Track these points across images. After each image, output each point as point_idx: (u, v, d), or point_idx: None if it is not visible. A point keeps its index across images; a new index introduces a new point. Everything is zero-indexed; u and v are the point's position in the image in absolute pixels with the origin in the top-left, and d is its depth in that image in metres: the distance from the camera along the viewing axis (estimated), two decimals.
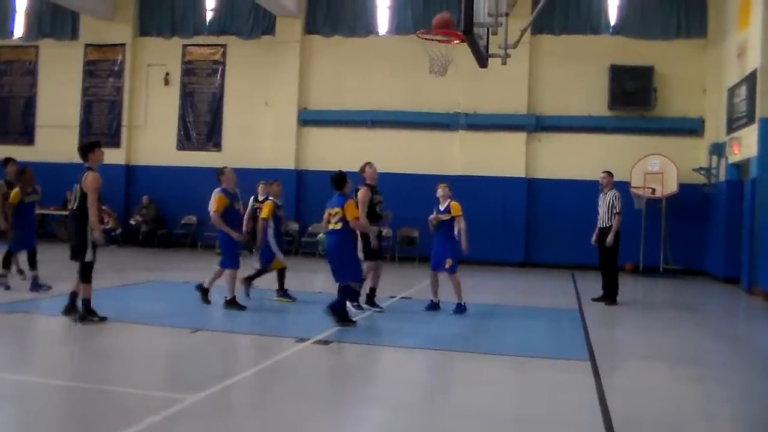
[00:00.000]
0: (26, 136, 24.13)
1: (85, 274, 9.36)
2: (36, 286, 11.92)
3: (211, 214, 10.93)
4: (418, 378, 7.91)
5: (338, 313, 9.84)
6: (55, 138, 23.47)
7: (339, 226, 9.91)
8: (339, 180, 10.19)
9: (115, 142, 22.95)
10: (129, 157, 23.01)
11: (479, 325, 11.04)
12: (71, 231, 9.49)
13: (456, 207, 11.37)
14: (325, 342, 9.00)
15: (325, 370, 8.10)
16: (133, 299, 12.36)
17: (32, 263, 12.15)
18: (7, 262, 12.24)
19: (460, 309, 11.39)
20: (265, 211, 12.18)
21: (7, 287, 11.94)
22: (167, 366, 8.25)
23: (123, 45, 23.10)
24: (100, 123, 23.35)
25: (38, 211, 22.50)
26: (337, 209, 9.93)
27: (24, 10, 24.13)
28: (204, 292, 11.31)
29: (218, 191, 11.10)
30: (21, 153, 23.43)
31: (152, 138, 23.01)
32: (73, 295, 9.47)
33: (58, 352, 8.61)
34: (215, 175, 11.38)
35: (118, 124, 23.19)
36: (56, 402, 6.41)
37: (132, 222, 22.20)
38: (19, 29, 24.25)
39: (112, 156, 22.42)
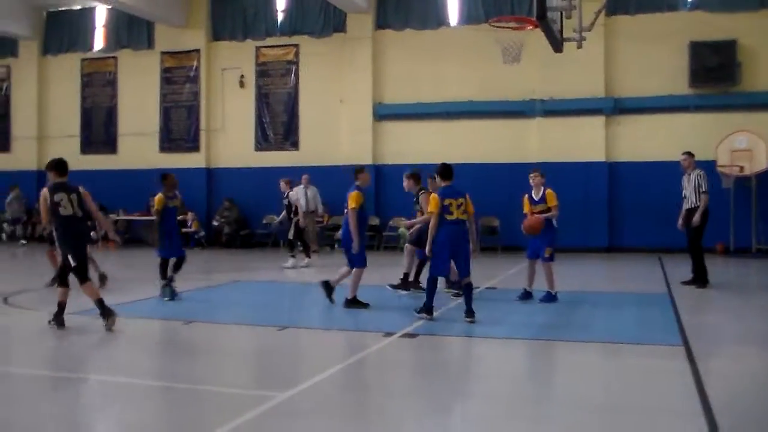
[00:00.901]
0: (109, 144, 25.14)
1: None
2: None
3: (348, 210, 10.82)
4: (507, 368, 7.95)
5: (471, 312, 9.93)
6: (137, 145, 24.50)
7: (465, 216, 9.98)
8: (450, 170, 10.27)
9: (194, 147, 23.85)
10: (209, 161, 23.73)
11: (566, 312, 11.05)
12: (83, 235, 9.99)
13: (551, 196, 11.46)
14: (412, 335, 9.11)
15: (414, 363, 8.22)
16: (220, 299, 12.76)
17: (175, 268, 12.19)
18: (164, 270, 12.17)
19: (550, 298, 11.44)
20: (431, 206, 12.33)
21: (174, 294, 11.92)
22: (257, 364, 8.47)
23: (197, 51, 23.83)
24: (179, 128, 24.14)
25: (123, 216, 23.49)
26: (461, 199, 9.95)
27: (102, 23, 25.14)
28: (329, 289, 11.32)
29: (355, 189, 11.08)
30: (105, 162, 24.48)
31: (230, 140, 23.69)
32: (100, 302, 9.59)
33: (149, 354, 8.96)
34: (352, 173, 11.34)
35: (196, 128, 23.93)
36: (152, 402, 6.67)
37: (215, 223, 22.78)
38: (98, 42, 25.26)
39: (192, 160, 23.35)
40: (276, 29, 23.20)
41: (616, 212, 20.32)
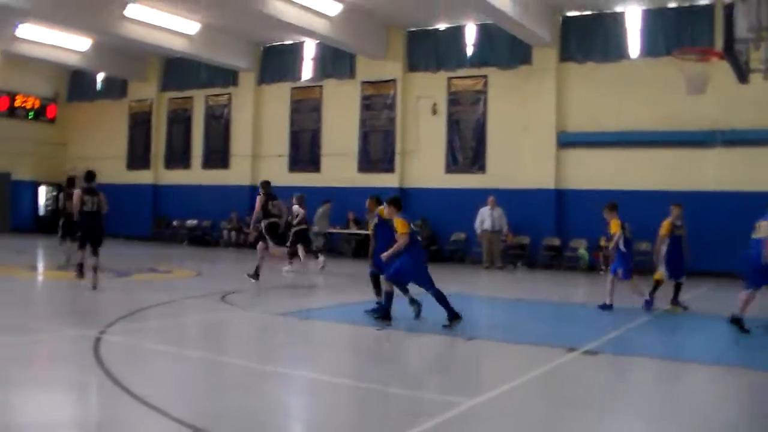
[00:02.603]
0: (313, 164, 27.65)
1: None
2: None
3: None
4: (681, 393, 7.94)
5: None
6: (337, 165, 26.80)
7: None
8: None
9: (389, 168, 25.83)
10: (402, 181, 25.52)
11: (754, 339, 10.80)
12: (100, 226, 14.51)
13: (613, 225, 13.44)
14: (594, 353, 9.40)
15: (594, 380, 8.34)
16: (409, 309, 12.50)
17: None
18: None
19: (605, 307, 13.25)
20: (664, 229, 13.65)
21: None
22: (445, 371, 8.78)
23: (394, 80, 25.84)
24: (376, 150, 26.23)
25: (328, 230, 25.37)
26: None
27: (311, 56, 27.82)
28: (739, 322, 11.09)
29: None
30: (309, 179, 26.82)
31: (423, 162, 25.32)
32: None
33: (343, 354, 9.80)
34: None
35: (392, 151, 25.85)
36: (344, 399, 7.20)
37: None
38: (306, 72, 27.96)
39: (387, 180, 25.23)
40: (466, 61, 24.63)
41: None
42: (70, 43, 28.39)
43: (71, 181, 19.34)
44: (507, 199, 22.42)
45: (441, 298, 11.01)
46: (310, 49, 27.70)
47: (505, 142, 23.77)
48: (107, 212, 14.75)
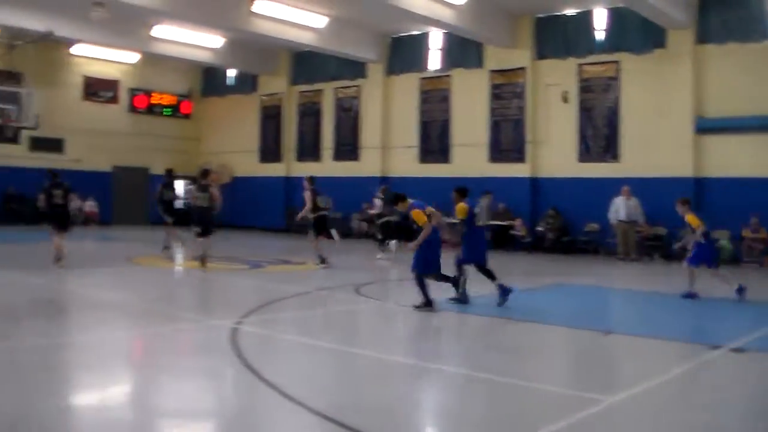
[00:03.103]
0: (443, 154, 28.27)
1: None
2: None
3: None
4: None
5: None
6: (468, 155, 27.26)
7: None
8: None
9: (520, 158, 26.08)
10: (534, 170, 25.77)
11: None
12: (208, 219, 16.97)
13: (690, 219, 14.06)
14: (740, 350, 9.14)
15: (743, 380, 8.13)
16: (543, 301, 13.50)
17: None
18: None
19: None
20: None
21: None
22: (581, 366, 8.87)
23: (523, 68, 26.05)
24: (507, 140, 26.49)
25: (449, 220, 25.82)
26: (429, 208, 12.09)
27: (438, 46, 28.34)
28: None
29: None
30: (440, 170, 27.29)
31: (554, 152, 25.43)
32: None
33: (478, 347, 9.81)
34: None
35: (522, 140, 26.05)
36: (481, 393, 7.29)
37: (539, 230, 24.75)
38: (434, 62, 28.53)
39: (518, 170, 25.55)
40: (597, 47, 24.44)
41: None
42: (203, 41, 29.99)
43: (170, 174, 21.79)
44: (642, 188, 22.33)
45: (423, 284, 11.74)
46: (437, 39, 28.19)
47: (639, 130, 23.51)
48: (221, 206, 17.29)
